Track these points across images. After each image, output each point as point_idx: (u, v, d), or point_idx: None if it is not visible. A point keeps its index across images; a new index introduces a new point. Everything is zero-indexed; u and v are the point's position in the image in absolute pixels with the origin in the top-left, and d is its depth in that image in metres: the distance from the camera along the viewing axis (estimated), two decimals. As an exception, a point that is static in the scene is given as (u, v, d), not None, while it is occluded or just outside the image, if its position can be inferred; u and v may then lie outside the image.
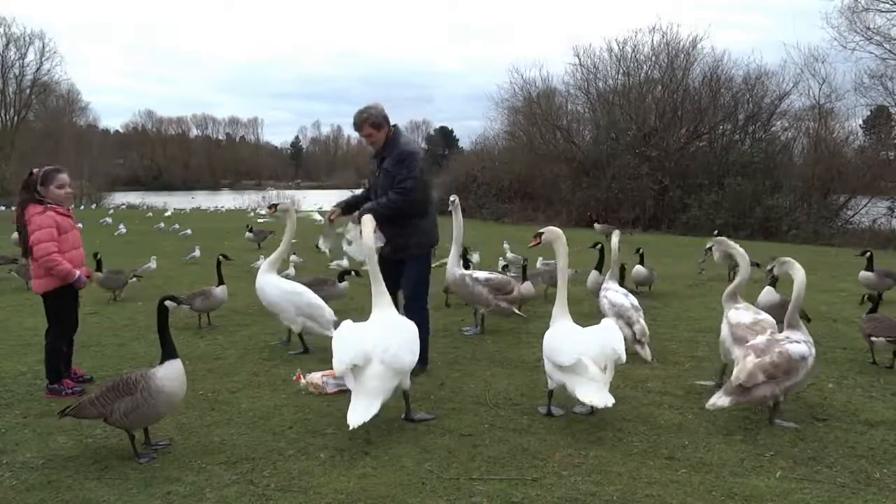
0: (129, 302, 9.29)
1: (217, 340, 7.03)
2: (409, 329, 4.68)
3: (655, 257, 9.96)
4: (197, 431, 4.46)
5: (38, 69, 48.20)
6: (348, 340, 4.47)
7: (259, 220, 17.13)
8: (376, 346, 4.38)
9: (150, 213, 32.68)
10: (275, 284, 6.55)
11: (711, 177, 24.99)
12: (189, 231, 20.35)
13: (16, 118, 48.55)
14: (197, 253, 13.66)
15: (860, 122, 28.99)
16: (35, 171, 5.29)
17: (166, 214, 31.51)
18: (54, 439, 4.32)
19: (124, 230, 20.40)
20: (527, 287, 8.00)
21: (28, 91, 48.68)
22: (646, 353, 6.04)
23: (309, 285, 7.08)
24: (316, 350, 6.58)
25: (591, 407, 4.72)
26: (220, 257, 8.00)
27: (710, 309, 8.65)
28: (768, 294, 6.99)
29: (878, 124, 28.22)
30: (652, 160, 26.27)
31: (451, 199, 7.43)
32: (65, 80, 51.57)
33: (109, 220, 24.51)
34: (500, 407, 4.95)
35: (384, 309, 4.78)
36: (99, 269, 9.28)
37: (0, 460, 4.02)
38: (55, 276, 5.15)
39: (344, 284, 8.11)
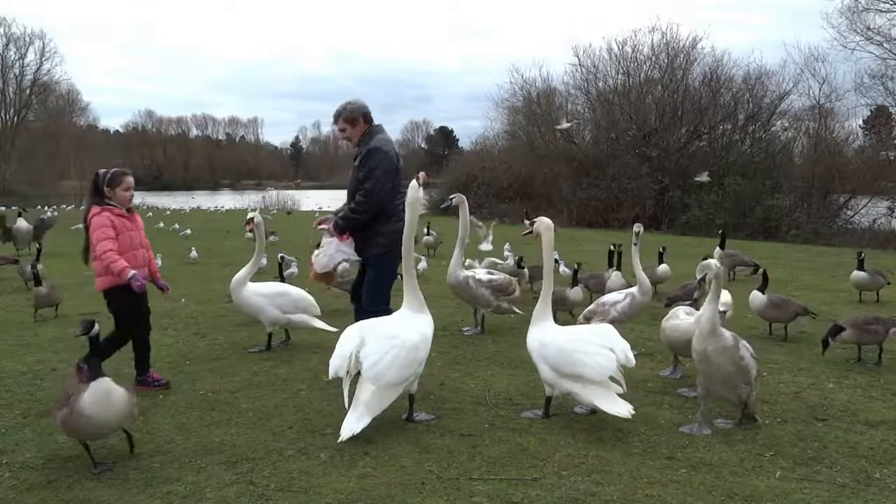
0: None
1: (217, 340, 7.03)
2: (409, 341, 4.38)
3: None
4: (197, 431, 4.46)
5: (38, 69, 48.42)
6: (342, 344, 4.36)
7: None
8: (365, 358, 4.25)
9: (150, 213, 32.66)
10: (256, 292, 6.53)
11: (711, 177, 24.98)
12: (189, 231, 20.37)
13: (16, 118, 48.64)
14: (195, 254, 13.66)
15: (860, 122, 29.05)
16: (100, 172, 5.29)
17: (166, 213, 31.49)
18: (54, 439, 4.32)
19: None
20: (576, 293, 7.87)
21: (28, 91, 48.78)
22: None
23: None
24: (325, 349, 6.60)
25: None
26: None
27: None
28: (756, 297, 7.13)
29: (878, 124, 28.21)
30: (652, 160, 26.28)
31: (451, 197, 7.38)
32: (65, 80, 51.82)
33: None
34: (500, 407, 4.95)
35: (406, 307, 4.65)
36: (38, 283, 8.16)
37: (0, 460, 4.02)
38: (111, 273, 5.11)
39: None
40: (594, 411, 4.73)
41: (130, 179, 5.27)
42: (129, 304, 5.23)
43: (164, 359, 6.26)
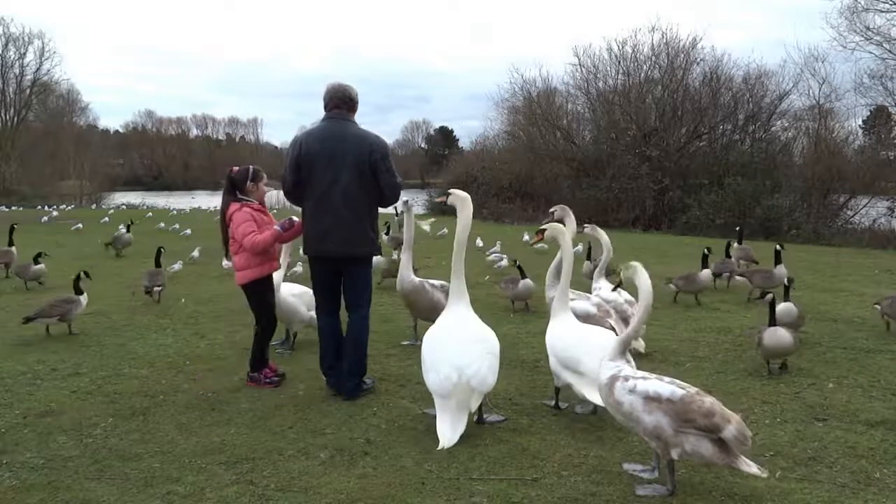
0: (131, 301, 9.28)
1: (217, 340, 7.03)
2: (493, 345, 4.51)
3: (655, 257, 9.95)
4: (197, 431, 4.46)
5: (37, 69, 48.32)
6: (440, 356, 4.36)
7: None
8: (468, 367, 4.26)
9: (151, 213, 32.66)
10: (291, 293, 6.50)
11: (711, 177, 25.01)
12: (189, 231, 20.37)
13: (16, 118, 48.58)
14: (196, 254, 13.64)
15: (860, 122, 29.13)
16: (234, 170, 5.48)
17: (171, 213, 31.54)
18: (54, 439, 4.32)
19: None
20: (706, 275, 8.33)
21: (28, 91, 48.71)
22: (640, 343, 6.14)
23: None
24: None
25: (594, 406, 4.73)
26: None
27: (710, 309, 8.66)
28: (791, 308, 6.58)
29: (878, 124, 28.30)
30: (652, 160, 26.28)
31: (404, 199, 6.36)
32: (64, 80, 51.70)
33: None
34: (500, 407, 4.95)
35: (461, 308, 4.65)
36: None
37: (0, 460, 4.02)
38: (269, 252, 5.32)
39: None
40: (595, 411, 4.73)
41: (264, 176, 5.55)
42: (267, 296, 5.48)
43: (164, 358, 6.26)
